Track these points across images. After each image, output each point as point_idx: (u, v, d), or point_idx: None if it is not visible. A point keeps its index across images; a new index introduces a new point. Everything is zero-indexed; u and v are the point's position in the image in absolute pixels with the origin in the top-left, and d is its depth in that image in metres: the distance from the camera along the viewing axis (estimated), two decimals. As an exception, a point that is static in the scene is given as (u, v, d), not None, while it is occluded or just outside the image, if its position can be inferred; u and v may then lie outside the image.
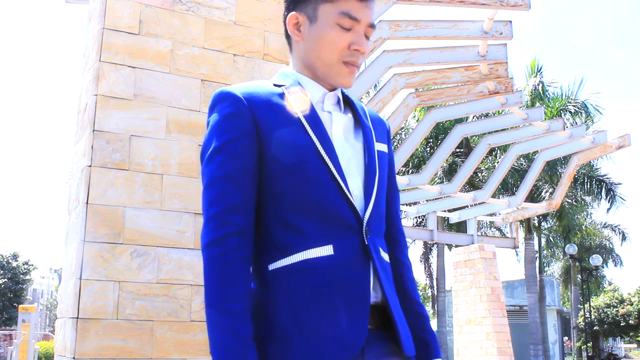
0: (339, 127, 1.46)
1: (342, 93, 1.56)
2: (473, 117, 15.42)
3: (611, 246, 33.94)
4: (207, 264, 1.31)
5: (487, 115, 12.50)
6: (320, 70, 1.48)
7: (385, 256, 1.45)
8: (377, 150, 1.50)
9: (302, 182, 1.36)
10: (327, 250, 1.34)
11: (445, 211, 12.75)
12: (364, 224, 1.38)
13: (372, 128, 1.53)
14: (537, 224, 24.13)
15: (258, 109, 1.40)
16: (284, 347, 1.30)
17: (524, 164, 19.58)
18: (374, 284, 1.37)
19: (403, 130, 20.43)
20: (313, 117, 1.41)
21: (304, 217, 1.36)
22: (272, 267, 1.36)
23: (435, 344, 1.53)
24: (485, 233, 22.31)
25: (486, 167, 20.40)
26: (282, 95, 1.43)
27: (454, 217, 12.77)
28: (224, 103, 1.41)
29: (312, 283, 1.32)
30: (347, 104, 1.55)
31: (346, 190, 1.37)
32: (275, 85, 1.46)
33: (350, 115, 1.52)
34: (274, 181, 1.37)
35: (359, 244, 1.37)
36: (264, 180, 1.38)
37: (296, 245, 1.35)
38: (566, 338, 36.14)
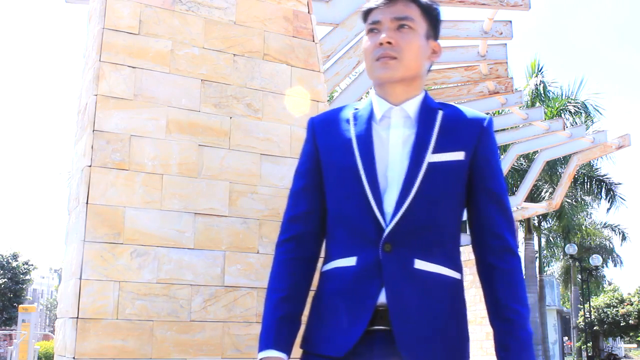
0: (398, 143, 1.56)
1: (425, 103, 1.60)
2: (473, 117, 15.37)
3: (611, 246, 33.88)
4: (272, 262, 1.64)
5: (487, 115, 12.47)
6: (371, 77, 1.64)
7: (423, 264, 1.52)
8: (431, 162, 1.51)
9: (339, 200, 1.58)
10: (351, 261, 1.54)
11: (445, 211, 12.71)
12: (383, 238, 1.49)
13: (434, 139, 1.54)
14: (537, 224, 24.12)
15: (320, 134, 1.65)
16: (309, 334, 1.60)
17: (524, 164, 19.57)
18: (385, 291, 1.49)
19: (403, 130, 20.40)
20: (365, 138, 1.57)
21: (340, 230, 1.58)
22: (322, 269, 1.65)
23: (516, 349, 1.48)
24: (485, 233, 22.25)
25: (486, 167, 20.34)
26: (348, 120, 1.62)
27: (454, 217, 12.73)
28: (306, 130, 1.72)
29: (331, 288, 1.57)
30: (428, 112, 1.59)
31: (374, 207, 1.51)
32: (355, 108, 1.65)
33: (415, 130, 1.56)
34: (326, 197, 1.63)
35: (376, 257, 1.50)
36: (325, 196, 1.63)
37: (333, 254, 1.59)
38: (566, 338, 36.14)
